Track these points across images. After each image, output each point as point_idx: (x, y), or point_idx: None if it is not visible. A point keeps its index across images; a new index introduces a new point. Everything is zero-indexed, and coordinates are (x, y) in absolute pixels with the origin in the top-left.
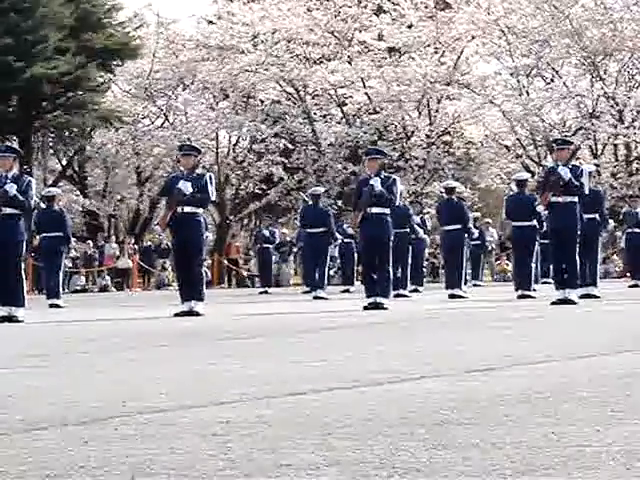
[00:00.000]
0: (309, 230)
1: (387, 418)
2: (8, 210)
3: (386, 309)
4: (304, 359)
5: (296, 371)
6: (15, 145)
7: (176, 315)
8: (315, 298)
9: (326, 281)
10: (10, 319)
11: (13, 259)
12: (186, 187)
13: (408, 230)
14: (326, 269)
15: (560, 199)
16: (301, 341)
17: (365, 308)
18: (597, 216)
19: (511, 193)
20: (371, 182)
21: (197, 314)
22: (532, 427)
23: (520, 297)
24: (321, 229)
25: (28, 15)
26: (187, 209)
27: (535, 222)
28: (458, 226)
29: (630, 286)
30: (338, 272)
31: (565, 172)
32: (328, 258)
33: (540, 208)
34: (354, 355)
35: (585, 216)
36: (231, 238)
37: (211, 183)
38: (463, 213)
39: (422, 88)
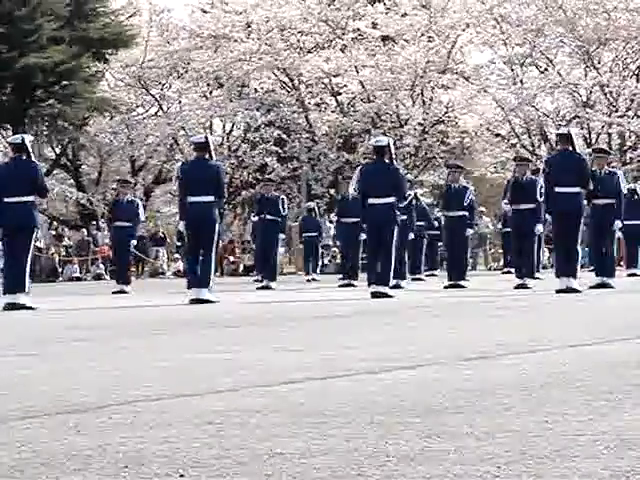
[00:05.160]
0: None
1: (381, 406)
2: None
3: (391, 297)
4: (298, 347)
5: (290, 360)
6: (9, 134)
7: (192, 302)
8: (309, 281)
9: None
10: (16, 306)
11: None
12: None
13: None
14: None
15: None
16: (296, 329)
17: (373, 295)
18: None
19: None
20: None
21: (207, 301)
22: (526, 415)
23: (517, 287)
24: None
25: (22, 3)
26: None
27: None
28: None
29: (629, 275)
30: (332, 261)
31: None
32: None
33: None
34: (348, 343)
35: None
36: (226, 228)
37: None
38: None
39: (415, 77)
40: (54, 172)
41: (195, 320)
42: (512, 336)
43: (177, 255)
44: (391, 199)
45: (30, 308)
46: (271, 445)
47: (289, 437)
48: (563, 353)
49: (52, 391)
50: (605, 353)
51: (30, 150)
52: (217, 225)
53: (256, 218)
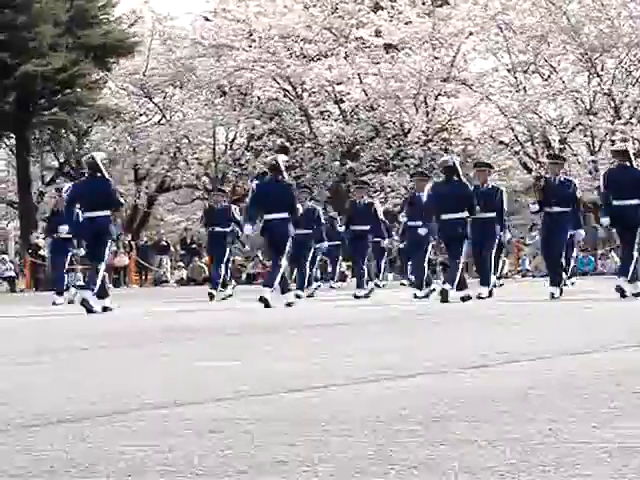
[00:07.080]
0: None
1: (383, 414)
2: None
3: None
4: (300, 356)
5: (292, 368)
6: (12, 142)
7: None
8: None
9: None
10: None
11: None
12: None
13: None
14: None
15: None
16: (296, 337)
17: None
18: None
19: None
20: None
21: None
22: (528, 424)
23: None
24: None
25: (23, 11)
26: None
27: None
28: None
29: None
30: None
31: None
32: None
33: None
34: (349, 351)
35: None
36: None
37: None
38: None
39: (419, 84)
40: (57, 181)
41: (196, 329)
42: (513, 344)
43: (180, 263)
44: (464, 214)
45: (109, 309)
46: (273, 453)
47: (291, 445)
48: (564, 361)
49: (54, 399)
50: (607, 360)
51: (102, 168)
52: (290, 238)
53: (204, 230)
